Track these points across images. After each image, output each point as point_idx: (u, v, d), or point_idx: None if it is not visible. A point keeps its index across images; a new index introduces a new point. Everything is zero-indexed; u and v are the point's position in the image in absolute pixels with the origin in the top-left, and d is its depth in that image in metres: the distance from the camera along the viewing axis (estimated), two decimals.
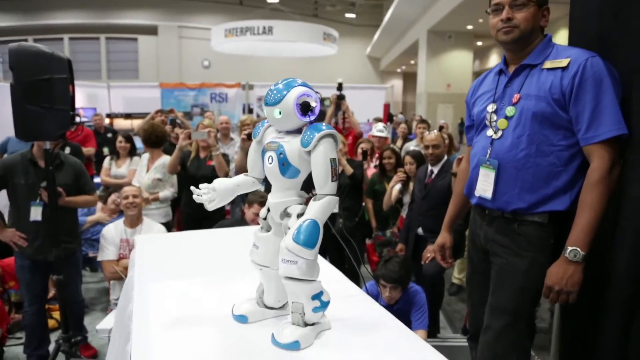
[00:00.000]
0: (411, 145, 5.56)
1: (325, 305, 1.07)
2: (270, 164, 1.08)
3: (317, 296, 1.05)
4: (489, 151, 1.67)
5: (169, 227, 4.03)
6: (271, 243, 1.12)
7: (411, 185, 3.79)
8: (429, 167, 3.39)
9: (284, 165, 1.06)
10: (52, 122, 2.36)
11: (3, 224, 3.03)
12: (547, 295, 1.54)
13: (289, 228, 1.03)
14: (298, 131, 1.08)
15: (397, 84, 22.91)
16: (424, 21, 13.72)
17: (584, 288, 1.50)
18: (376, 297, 2.81)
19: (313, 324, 1.07)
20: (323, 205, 1.02)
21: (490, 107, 1.69)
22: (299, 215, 1.04)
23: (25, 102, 2.27)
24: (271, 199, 1.12)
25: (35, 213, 2.85)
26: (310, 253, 0.98)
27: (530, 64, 1.62)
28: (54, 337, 3.21)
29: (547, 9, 1.64)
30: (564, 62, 1.52)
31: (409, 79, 21.93)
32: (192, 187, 1.19)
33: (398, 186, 3.82)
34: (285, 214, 1.08)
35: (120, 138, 4.83)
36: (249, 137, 3.69)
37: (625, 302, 1.44)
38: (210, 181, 1.19)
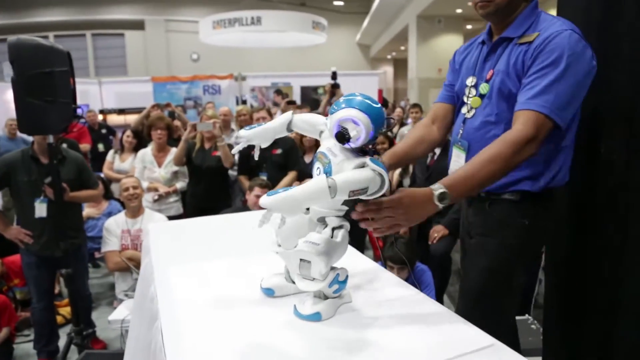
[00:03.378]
0: (406, 130, 5.60)
1: (343, 284, 1.08)
2: (317, 175, 1.05)
3: (333, 281, 1.05)
4: (460, 131, 1.57)
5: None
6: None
7: (410, 168, 3.82)
8: None
9: None
10: (55, 115, 2.35)
11: (7, 221, 3.03)
12: None
13: (319, 233, 1.03)
14: (351, 150, 1.02)
15: (388, 70, 22.81)
16: (413, 6, 13.63)
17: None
18: None
19: (334, 297, 1.10)
20: (312, 187, 0.94)
21: (470, 81, 1.56)
22: (334, 229, 1.04)
23: (27, 95, 2.26)
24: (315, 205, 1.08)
25: (40, 210, 2.85)
26: (265, 200, 0.91)
27: (508, 37, 1.47)
28: (61, 332, 3.24)
29: None
30: (532, 37, 1.39)
31: (400, 65, 21.80)
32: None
33: (398, 170, 3.85)
34: (322, 222, 1.07)
35: (128, 132, 4.81)
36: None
37: None
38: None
